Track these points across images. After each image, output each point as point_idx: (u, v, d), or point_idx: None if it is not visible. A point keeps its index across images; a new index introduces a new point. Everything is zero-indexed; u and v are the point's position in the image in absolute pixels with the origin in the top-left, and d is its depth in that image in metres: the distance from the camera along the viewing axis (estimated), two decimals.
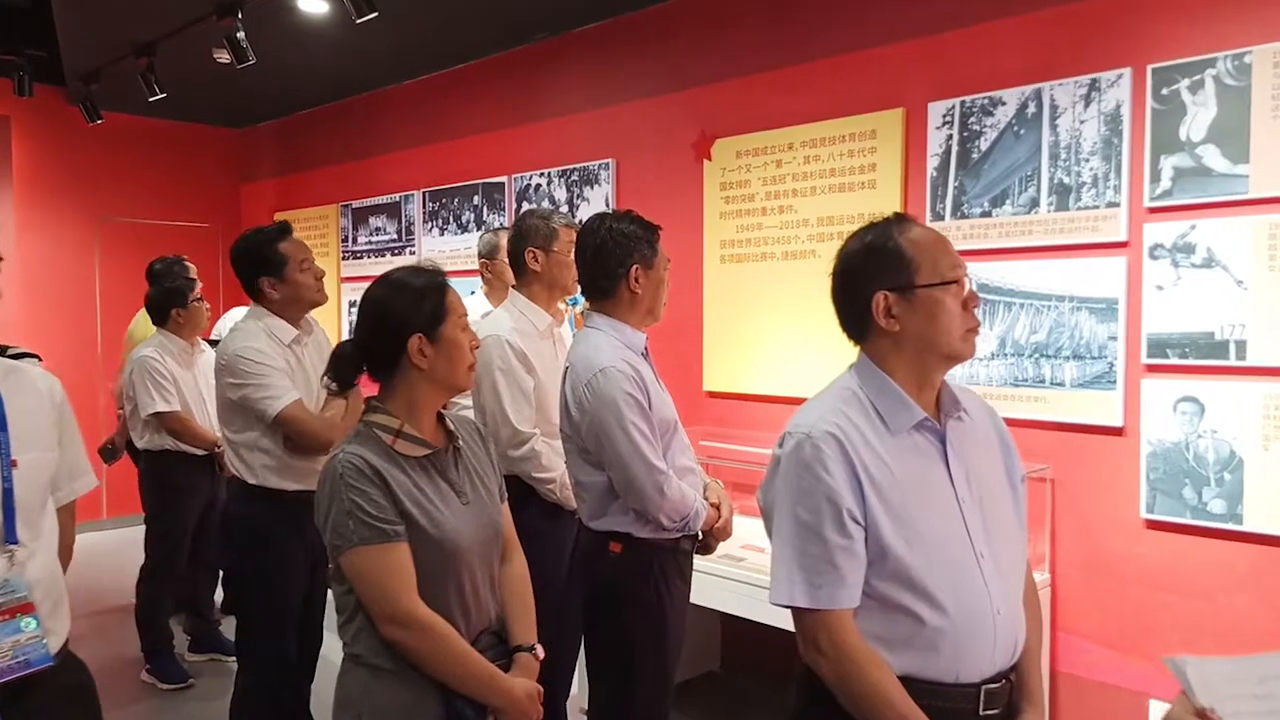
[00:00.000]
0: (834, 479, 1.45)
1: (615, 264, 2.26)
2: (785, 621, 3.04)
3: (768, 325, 3.83)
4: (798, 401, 3.74)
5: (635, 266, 2.27)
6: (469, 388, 1.83)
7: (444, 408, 1.86)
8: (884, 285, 1.52)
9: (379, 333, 1.77)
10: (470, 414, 3.02)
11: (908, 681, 1.44)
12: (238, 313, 4.91)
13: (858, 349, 1.62)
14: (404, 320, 1.75)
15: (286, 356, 2.80)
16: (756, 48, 3.88)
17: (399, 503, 1.67)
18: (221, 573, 4.70)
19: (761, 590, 3.25)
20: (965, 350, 1.54)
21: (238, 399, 2.73)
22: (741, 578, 3.21)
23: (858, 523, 1.45)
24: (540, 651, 1.81)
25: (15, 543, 1.61)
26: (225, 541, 3.05)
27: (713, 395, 4.05)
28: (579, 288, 3.14)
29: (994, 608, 1.49)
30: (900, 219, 1.57)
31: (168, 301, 3.98)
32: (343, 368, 1.81)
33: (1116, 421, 2.89)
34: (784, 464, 1.50)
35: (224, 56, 4.90)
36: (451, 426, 1.84)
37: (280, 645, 2.85)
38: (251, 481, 2.77)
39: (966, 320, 1.53)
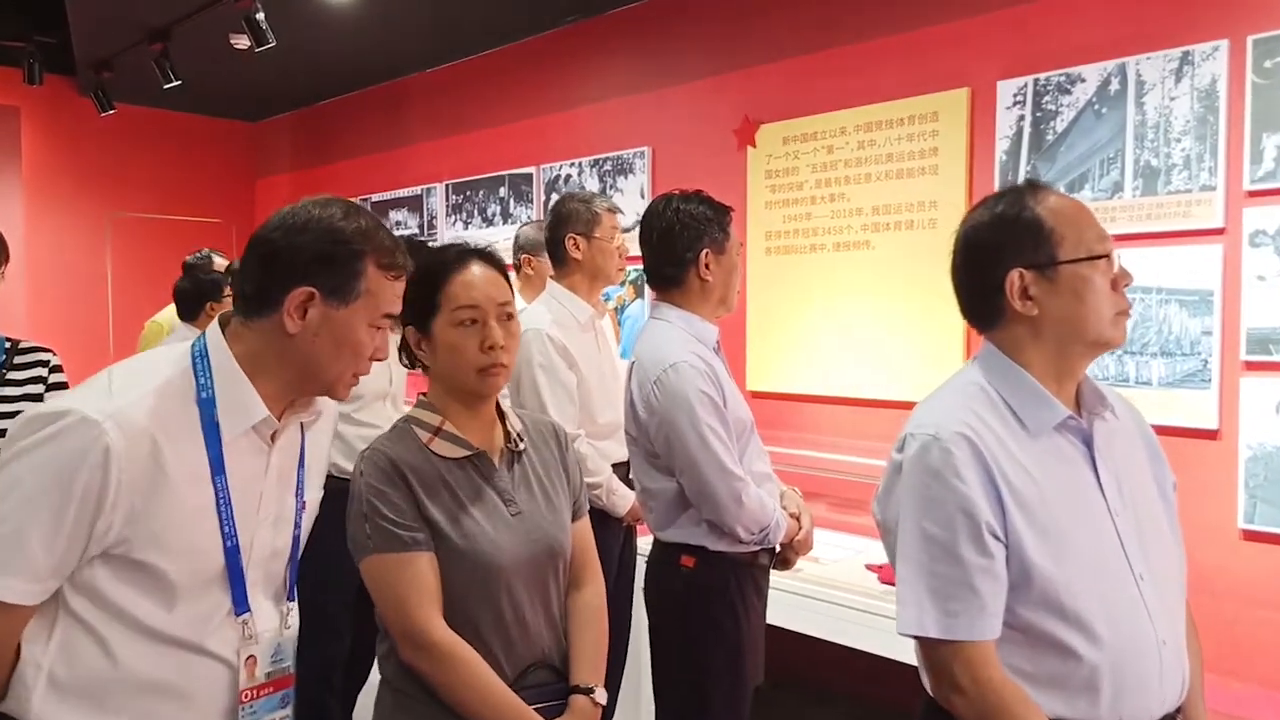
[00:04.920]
0: (968, 487, 1.24)
1: (683, 249, 2.06)
2: (836, 635, 2.87)
3: (818, 320, 3.62)
4: (850, 402, 3.60)
5: (705, 251, 2.06)
6: (486, 394, 1.55)
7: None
8: (1020, 262, 1.31)
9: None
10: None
11: None
12: None
13: (983, 338, 1.42)
14: (403, 309, 1.55)
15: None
16: (805, 27, 3.67)
17: (422, 508, 1.47)
18: None
19: (811, 602, 3.06)
20: (1116, 336, 1.34)
21: None
22: (792, 589, 2.99)
23: (998, 538, 1.24)
24: (602, 696, 1.57)
25: (292, 599, 1.37)
26: None
27: (756, 395, 3.83)
28: (621, 277, 2.96)
29: (1159, 638, 1.28)
30: (1034, 185, 1.37)
31: (203, 294, 3.73)
32: (401, 348, 1.62)
33: (1211, 424, 2.67)
34: (907, 470, 1.29)
35: (241, 42, 4.71)
36: (514, 427, 1.61)
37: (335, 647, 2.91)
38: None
39: (1117, 301, 1.32)
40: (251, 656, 1.28)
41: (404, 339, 1.60)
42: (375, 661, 3.09)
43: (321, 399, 1.37)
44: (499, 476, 1.56)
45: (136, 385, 1.22)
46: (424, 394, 1.61)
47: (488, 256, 1.59)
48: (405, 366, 1.64)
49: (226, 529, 1.24)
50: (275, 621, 1.33)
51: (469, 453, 1.53)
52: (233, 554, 1.25)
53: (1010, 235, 1.32)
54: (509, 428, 1.62)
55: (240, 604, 1.27)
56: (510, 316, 1.56)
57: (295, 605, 1.37)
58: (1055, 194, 1.34)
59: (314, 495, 1.43)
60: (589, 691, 1.56)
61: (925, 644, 1.27)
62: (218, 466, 1.23)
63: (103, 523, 1.14)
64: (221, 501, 1.24)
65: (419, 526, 1.46)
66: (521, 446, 1.62)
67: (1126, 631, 1.25)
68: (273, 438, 1.31)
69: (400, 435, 1.54)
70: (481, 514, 1.51)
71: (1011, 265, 1.31)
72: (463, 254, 1.57)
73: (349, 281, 1.25)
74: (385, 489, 1.46)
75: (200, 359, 1.26)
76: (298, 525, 1.37)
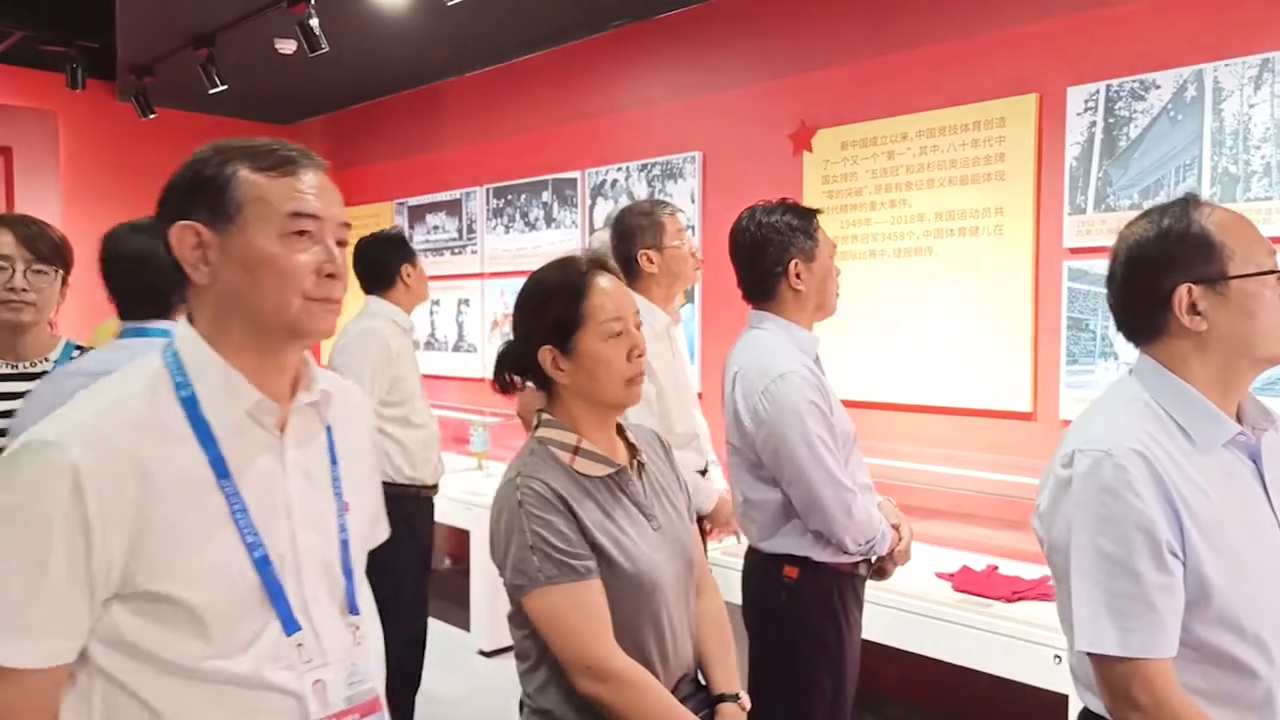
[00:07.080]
0: (1146, 505, 1.24)
1: (771, 263, 2.05)
2: (909, 644, 2.84)
3: (878, 326, 3.60)
4: (912, 409, 3.58)
5: (794, 261, 2.06)
6: (629, 404, 1.55)
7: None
8: (1188, 277, 1.31)
9: (519, 338, 1.57)
10: None
11: None
12: None
13: (1139, 353, 1.41)
14: (530, 328, 1.54)
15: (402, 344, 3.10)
16: (864, 31, 3.65)
17: (588, 533, 1.45)
18: None
19: (881, 609, 3.03)
20: None
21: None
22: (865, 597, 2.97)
23: (1177, 556, 1.24)
24: (746, 701, 1.57)
25: (357, 612, 1.19)
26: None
27: None
28: (698, 275, 2.92)
29: None
30: (1195, 200, 1.37)
31: None
32: (497, 370, 1.60)
33: None
34: (1077, 487, 1.29)
35: (286, 47, 4.72)
36: (633, 439, 1.62)
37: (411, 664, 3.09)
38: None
39: None
40: (319, 681, 1.11)
41: (507, 361, 1.58)
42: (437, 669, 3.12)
43: (321, 379, 1.20)
44: (636, 491, 1.56)
45: (100, 397, 1.07)
46: (543, 411, 1.59)
47: (608, 265, 1.60)
48: (502, 389, 1.59)
49: (250, 539, 1.08)
50: (345, 638, 1.16)
51: (612, 469, 1.53)
52: (263, 565, 1.09)
53: (1179, 250, 1.32)
54: (630, 440, 1.62)
55: (289, 622, 1.10)
56: (640, 325, 1.57)
57: (365, 619, 1.21)
58: (1219, 208, 1.35)
59: (360, 498, 1.24)
60: (735, 698, 1.56)
61: (1101, 661, 1.26)
62: (220, 469, 1.08)
63: (99, 561, 1.00)
64: (236, 509, 1.08)
65: (587, 554, 1.45)
66: (645, 458, 1.62)
67: None
68: (281, 427, 1.15)
69: (542, 458, 1.52)
70: (634, 532, 1.51)
71: (1179, 280, 1.31)
72: (590, 265, 1.57)
73: (221, 196, 1.08)
74: (550, 517, 1.44)
75: (173, 356, 1.11)
76: (343, 530, 1.19)
